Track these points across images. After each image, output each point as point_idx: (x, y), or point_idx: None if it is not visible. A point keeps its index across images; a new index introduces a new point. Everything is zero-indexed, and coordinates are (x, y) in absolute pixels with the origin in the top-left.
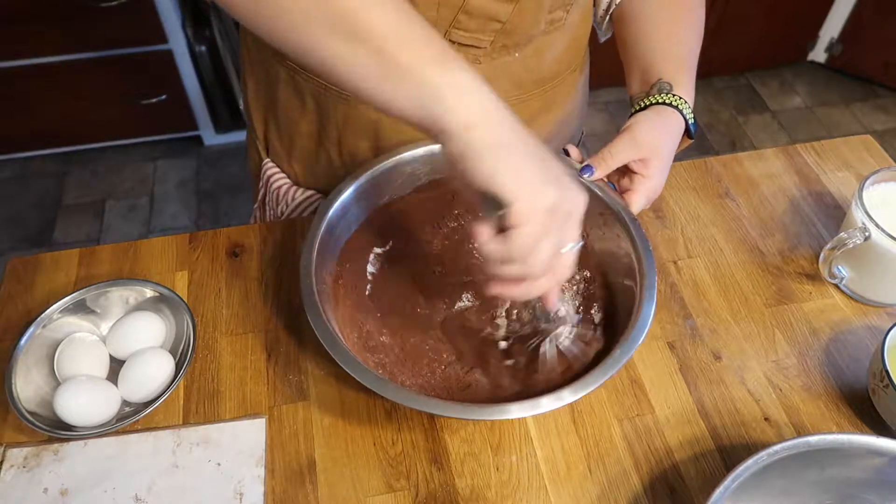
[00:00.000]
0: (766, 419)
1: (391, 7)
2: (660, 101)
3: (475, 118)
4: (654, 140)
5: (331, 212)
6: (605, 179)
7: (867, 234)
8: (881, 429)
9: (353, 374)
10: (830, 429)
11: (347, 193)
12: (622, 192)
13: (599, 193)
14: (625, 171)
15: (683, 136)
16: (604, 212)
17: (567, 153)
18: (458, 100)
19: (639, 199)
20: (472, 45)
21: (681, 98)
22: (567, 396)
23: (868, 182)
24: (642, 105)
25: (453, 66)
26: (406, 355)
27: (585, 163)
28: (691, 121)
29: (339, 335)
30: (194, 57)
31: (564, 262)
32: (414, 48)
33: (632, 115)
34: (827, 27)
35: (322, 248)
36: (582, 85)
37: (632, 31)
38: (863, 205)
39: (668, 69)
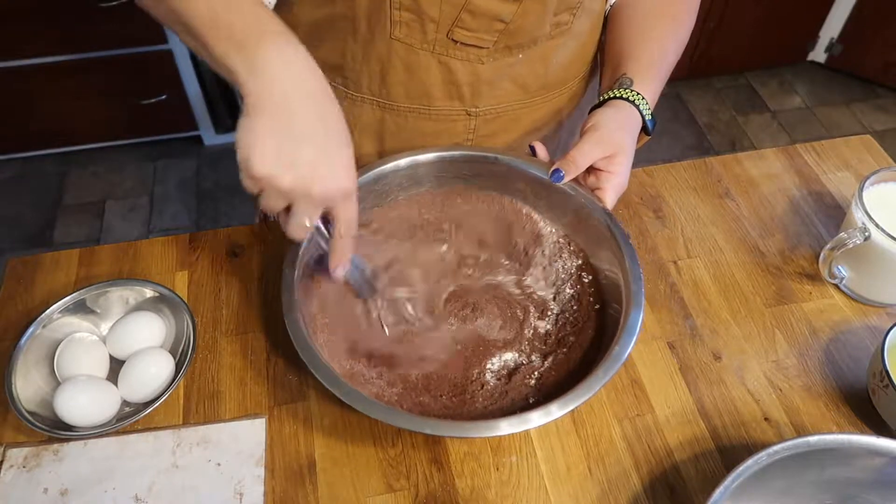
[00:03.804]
0: (766, 419)
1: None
2: (616, 95)
3: (262, 90)
4: (618, 137)
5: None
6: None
7: (867, 234)
8: (881, 429)
9: (351, 403)
10: (830, 429)
11: None
12: (591, 190)
13: (574, 194)
14: (590, 169)
15: (640, 132)
16: (580, 210)
17: (534, 151)
18: (253, 79)
19: (609, 196)
20: (474, 45)
21: (638, 94)
22: (555, 411)
23: (868, 182)
24: (600, 100)
25: (259, 51)
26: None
27: (554, 167)
28: (648, 117)
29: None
30: (194, 57)
31: (299, 230)
32: (221, 39)
33: (591, 110)
34: (827, 27)
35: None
36: (592, 93)
37: (615, 32)
38: (863, 205)
39: (635, 67)
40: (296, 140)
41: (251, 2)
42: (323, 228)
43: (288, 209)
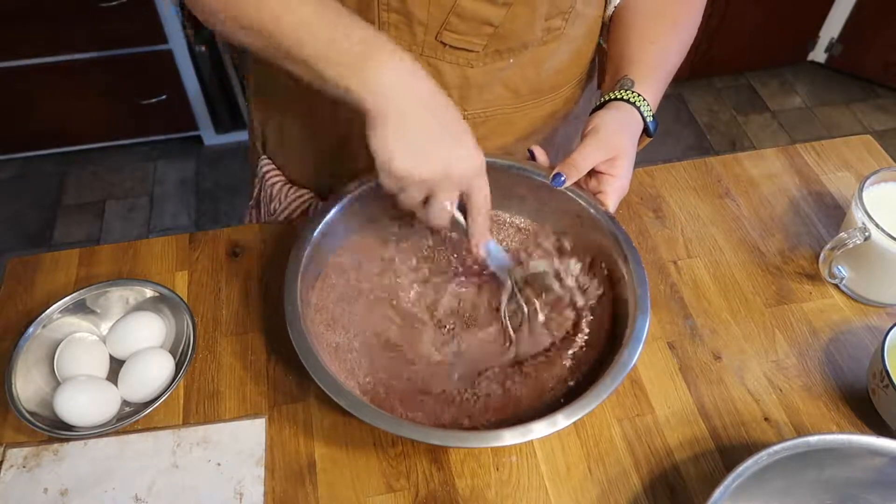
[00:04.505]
0: (766, 419)
1: (316, 26)
2: (617, 96)
3: (380, 105)
4: (619, 139)
5: (315, 233)
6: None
7: (867, 234)
8: (881, 429)
9: (354, 413)
10: (830, 429)
11: (332, 213)
12: (593, 194)
13: (576, 198)
14: (591, 172)
15: (642, 134)
16: (582, 214)
17: (533, 155)
18: (371, 97)
19: (611, 200)
20: (464, 49)
21: (639, 95)
22: (561, 421)
23: (868, 182)
24: (601, 101)
25: (369, 70)
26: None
27: (555, 171)
28: (649, 119)
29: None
30: (194, 57)
31: (442, 216)
32: (334, 64)
33: (592, 112)
34: (827, 27)
35: (308, 263)
36: (587, 99)
37: (618, 35)
38: (863, 205)
39: (637, 69)
40: (422, 138)
41: (359, 25)
42: (459, 214)
43: (425, 202)
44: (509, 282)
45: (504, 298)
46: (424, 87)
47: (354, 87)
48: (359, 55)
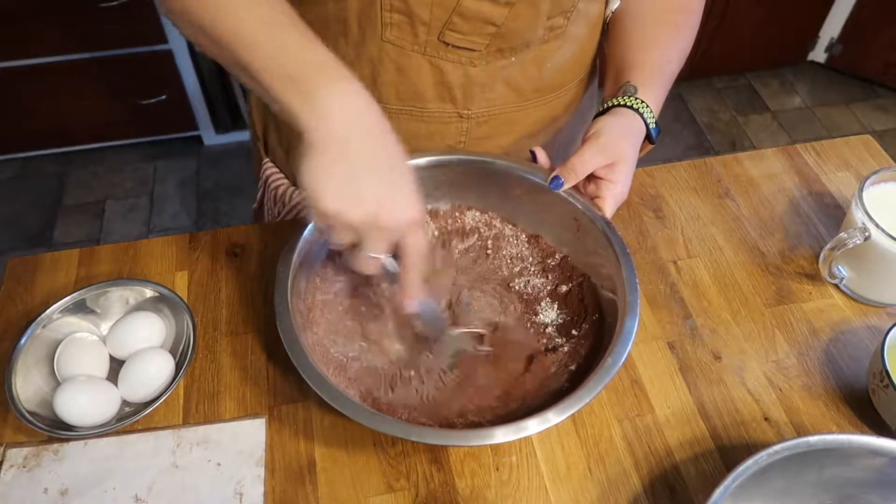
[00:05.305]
0: (766, 419)
1: (269, 39)
2: (621, 103)
3: (322, 129)
4: (621, 145)
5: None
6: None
7: (867, 234)
8: (881, 429)
9: (345, 412)
10: (830, 429)
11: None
12: (590, 198)
13: (574, 202)
14: (590, 177)
15: (644, 140)
16: (579, 218)
17: (534, 157)
18: (314, 118)
19: (609, 206)
20: (466, 48)
21: (643, 102)
22: (552, 418)
23: (868, 182)
24: (604, 107)
25: (318, 90)
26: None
27: (553, 174)
28: (652, 126)
29: (317, 361)
30: (194, 57)
31: (369, 264)
32: (278, 78)
33: (595, 117)
34: (827, 27)
35: (301, 261)
36: (590, 98)
37: (617, 40)
38: (863, 205)
39: (639, 75)
40: (360, 175)
41: (310, 41)
42: (391, 263)
43: (355, 245)
44: (445, 340)
45: (442, 357)
46: (373, 118)
47: (298, 105)
48: (308, 73)
